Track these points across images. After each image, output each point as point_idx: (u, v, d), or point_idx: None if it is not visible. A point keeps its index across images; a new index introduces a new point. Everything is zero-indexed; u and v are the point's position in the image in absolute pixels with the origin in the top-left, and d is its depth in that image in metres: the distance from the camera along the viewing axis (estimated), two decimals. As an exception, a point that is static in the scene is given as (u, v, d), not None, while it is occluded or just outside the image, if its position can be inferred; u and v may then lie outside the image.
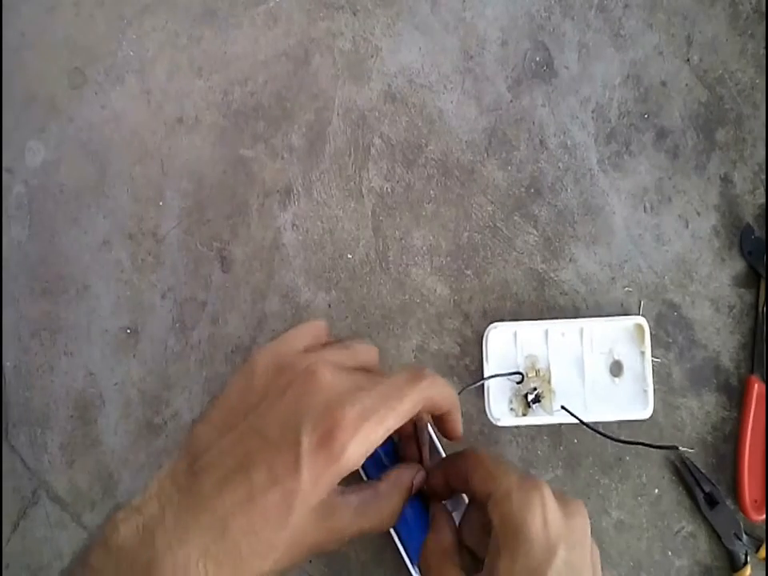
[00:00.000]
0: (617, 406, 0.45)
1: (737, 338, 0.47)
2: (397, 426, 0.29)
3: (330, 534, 0.29)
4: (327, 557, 0.45)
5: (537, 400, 0.44)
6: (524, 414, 0.45)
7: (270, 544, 0.27)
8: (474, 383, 0.44)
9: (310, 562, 0.45)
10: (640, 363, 0.45)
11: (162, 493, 0.27)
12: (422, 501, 0.42)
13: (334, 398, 0.29)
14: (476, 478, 0.31)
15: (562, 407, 0.43)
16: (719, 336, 0.47)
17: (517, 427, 0.46)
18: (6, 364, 0.48)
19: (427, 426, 0.37)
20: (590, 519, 0.45)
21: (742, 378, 0.46)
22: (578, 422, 0.43)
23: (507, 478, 0.30)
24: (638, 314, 0.46)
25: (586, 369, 0.45)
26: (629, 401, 0.45)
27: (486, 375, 0.44)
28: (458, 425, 0.34)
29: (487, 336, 0.45)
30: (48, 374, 0.48)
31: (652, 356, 0.46)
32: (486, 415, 0.44)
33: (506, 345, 0.45)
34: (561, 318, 0.46)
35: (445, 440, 0.37)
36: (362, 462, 0.29)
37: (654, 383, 0.46)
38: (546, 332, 0.45)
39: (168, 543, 0.26)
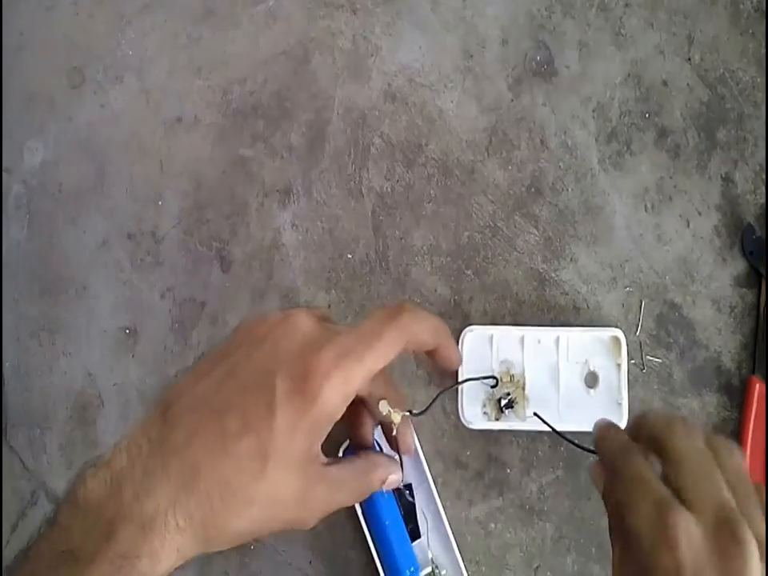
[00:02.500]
0: (591, 417, 0.42)
1: (738, 338, 0.47)
2: (377, 367, 0.28)
3: (307, 505, 0.28)
4: (327, 557, 0.45)
5: (510, 405, 0.44)
6: (497, 419, 0.44)
7: (244, 497, 0.26)
8: (449, 387, 0.44)
9: (310, 562, 0.45)
10: (615, 375, 0.44)
11: (133, 444, 0.26)
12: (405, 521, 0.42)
13: (311, 343, 0.28)
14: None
15: (535, 414, 0.42)
16: (720, 336, 0.47)
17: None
18: (5, 364, 0.48)
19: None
20: (591, 520, 0.45)
21: (744, 378, 0.46)
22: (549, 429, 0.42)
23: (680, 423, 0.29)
24: (615, 326, 0.45)
25: (560, 377, 0.44)
26: (603, 413, 0.43)
27: (460, 378, 0.43)
28: (452, 354, 0.32)
29: (463, 338, 0.44)
30: (47, 374, 0.48)
31: (652, 356, 0.46)
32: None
33: (482, 348, 0.45)
34: (561, 318, 0.46)
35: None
36: (341, 409, 0.28)
37: (655, 384, 0.46)
38: (522, 338, 0.45)
39: (135, 494, 0.25)
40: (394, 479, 0.33)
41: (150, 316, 0.48)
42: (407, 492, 0.43)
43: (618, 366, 0.44)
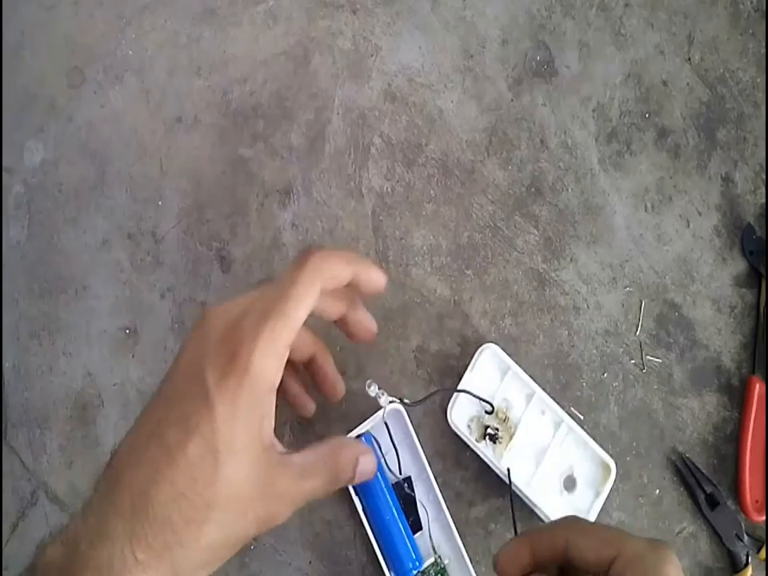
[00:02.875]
0: (553, 513, 0.42)
1: (738, 338, 0.47)
2: (300, 315, 0.27)
3: (274, 497, 0.27)
4: (326, 558, 0.45)
5: (493, 440, 0.43)
6: (477, 440, 0.43)
7: (205, 503, 0.24)
8: (447, 388, 0.44)
9: (310, 563, 0.45)
10: (590, 500, 0.43)
11: (86, 504, 0.25)
12: (405, 514, 0.42)
13: (228, 321, 0.27)
14: (586, 544, 0.27)
15: (508, 470, 0.42)
16: (720, 336, 0.47)
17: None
18: (5, 364, 0.48)
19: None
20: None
21: (744, 378, 0.46)
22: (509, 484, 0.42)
23: (635, 541, 0.26)
24: (611, 456, 0.43)
25: (544, 460, 0.43)
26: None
27: (462, 384, 0.43)
28: (373, 274, 0.31)
29: (481, 351, 0.44)
30: (47, 374, 0.48)
31: (652, 356, 0.46)
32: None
33: (494, 373, 0.44)
34: (560, 318, 0.46)
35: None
36: (278, 372, 0.27)
37: (655, 383, 0.46)
38: (531, 396, 0.44)
39: (90, 543, 0.24)
40: (367, 461, 0.31)
41: (150, 316, 0.48)
42: (406, 485, 0.43)
43: (598, 493, 0.43)
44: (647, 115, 0.48)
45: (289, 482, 0.27)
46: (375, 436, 0.43)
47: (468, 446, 0.43)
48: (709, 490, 0.45)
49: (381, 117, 0.49)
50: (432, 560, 0.42)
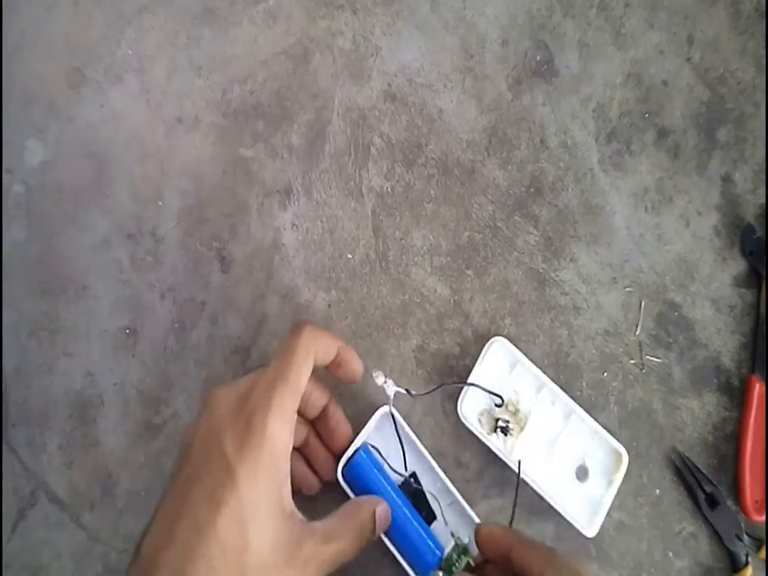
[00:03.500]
0: (566, 504, 0.42)
1: (738, 338, 0.47)
2: (303, 380, 0.30)
3: (302, 564, 0.28)
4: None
5: (504, 432, 0.43)
6: (488, 433, 0.43)
7: (236, 572, 0.25)
8: (455, 382, 0.44)
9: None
10: (604, 488, 0.43)
11: None
12: (417, 509, 0.42)
13: (238, 398, 0.29)
14: (526, 555, 0.32)
15: (519, 462, 0.42)
16: (720, 336, 0.47)
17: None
18: (5, 364, 0.48)
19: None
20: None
21: (743, 378, 0.46)
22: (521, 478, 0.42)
23: (562, 558, 0.31)
24: (622, 445, 0.43)
25: (555, 450, 0.43)
26: (578, 510, 0.43)
27: (472, 378, 0.43)
28: (353, 360, 0.36)
29: (490, 344, 0.44)
30: (47, 374, 0.48)
31: (652, 356, 0.46)
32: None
33: (503, 365, 0.45)
34: (560, 318, 0.46)
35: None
36: (290, 435, 0.29)
37: (655, 383, 0.46)
38: (541, 387, 0.44)
39: None
40: (383, 509, 0.34)
41: (150, 316, 0.48)
42: (412, 480, 0.43)
43: (611, 482, 0.43)
44: (647, 115, 0.48)
45: (314, 547, 0.29)
46: (373, 443, 0.43)
47: (468, 444, 0.44)
48: (709, 489, 0.45)
49: (381, 117, 0.49)
50: (452, 543, 0.42)
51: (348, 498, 0.41)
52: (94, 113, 0.50)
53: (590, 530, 0.42)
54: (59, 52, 0.50)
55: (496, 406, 0.44)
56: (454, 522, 0.43)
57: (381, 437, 0.43)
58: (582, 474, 0.44)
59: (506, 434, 0.43)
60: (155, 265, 0.48)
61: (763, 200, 0.47)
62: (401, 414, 0.43)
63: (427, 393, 0.40)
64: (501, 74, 0.49)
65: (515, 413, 0.44)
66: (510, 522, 0.41)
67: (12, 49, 0.50)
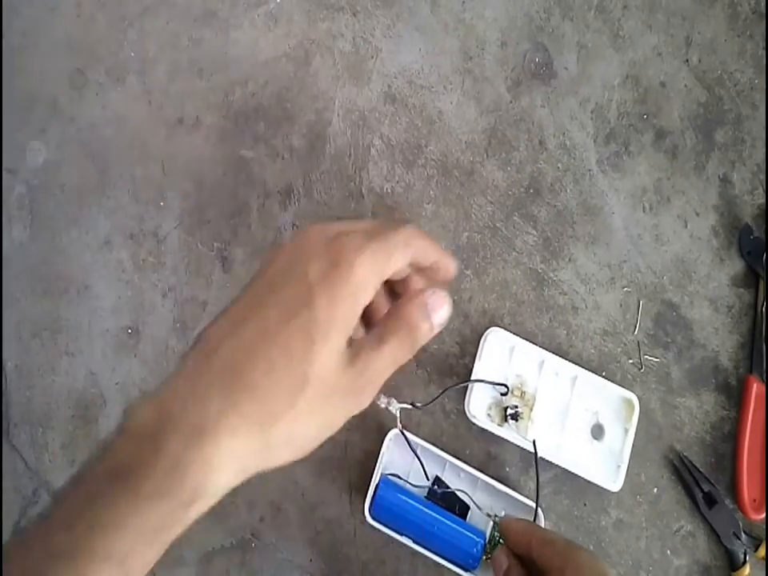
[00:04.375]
0: (588, 467, 0.43)
1: (735, 337, 0.47)
2: (397, 259, 0.28)
3: (361, 375, 0.27)
4: (327, 556, 0.45)
5: (515, 418, 0.44)
6: (500, 425, 0.44)
7: (299, 378, 0.25)
8: (459, 383, 0.44)
9: (311, 560, 0.46)
10: (621, 439, 0.44)
11: (176, 372, 0.25)
12: (450, 509, 0.43)
13: (332, 236, 0.28)
14: (545, 551, 0.33)
15: (534, 442, 0.43)
16: (718, 336, 0.47)
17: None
18: (8, 364, 0.48)
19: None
20: (590, 518, 0.45)
21: (741, 377, 0.46)
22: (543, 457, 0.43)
23: (581, 556, 0.32)
24: (633, 393, 0.44)
25: (568, 417, 0.44)
26: (600, 468, 0.44)
27: (474, 375, 0.44)
28: (450, 263, 0.31)
29: (486, 337, 0.45)
30: (49, 373, 0.48)
31: (650, 356, 0.46)
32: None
33: (501, 353, 0.45)
34: (559, 318, 0.46)
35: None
36: (374, 286, 0.27)
37: (653, 383, 0.46)
38: (542, 363, 0.45)
39: (183, 406, 0.24)
40: (436, 298, 0.29)
41: (152, 316, 0.48)
42: (436, 486, 0.44)
43: (626, 431, 0.44)
44: (645, 116, 0.48)
45: (369, 353, 0.27)
46: (392, 471, 0.44)
47: (469, 441, 0.44)
48: (706, 488, 0.45)
49: (381, 118, 0.49)
50: (491, 524, 0.43)
51: (386, 536, 0.42)
52: (96, 114, 0.50)
53: (614, 484, 0.43)
54: (62, 53, 0.50)
55: (502, 395, 0.44)
56: (488, 503, 0.44)
57: (397, 453, 0.44)
58: (597, 432, 0.45)
59: (516, 420, 0.44)
60: (157, 265, 0.49)
61: (761, 200, 0.48)
62: (403, 419, 0.43)
63: (432, 401, 0.40)
64: (500, 76, 0.49)
65: (522, 395, 0.45)
66: (536, 501, 0.41)
67: (14, 50, 0.51)
